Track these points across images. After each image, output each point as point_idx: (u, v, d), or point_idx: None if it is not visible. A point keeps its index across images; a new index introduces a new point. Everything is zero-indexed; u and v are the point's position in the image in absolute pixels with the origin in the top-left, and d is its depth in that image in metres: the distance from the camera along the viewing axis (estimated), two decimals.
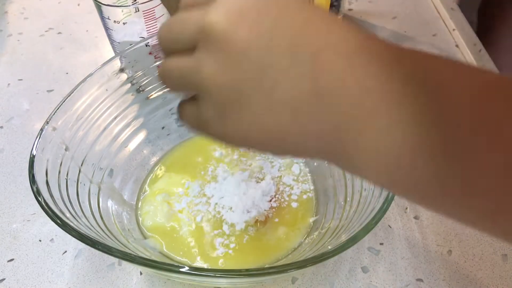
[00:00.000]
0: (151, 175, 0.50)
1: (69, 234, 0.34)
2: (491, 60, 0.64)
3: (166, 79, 0.26)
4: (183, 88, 0.26)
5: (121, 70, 0.49)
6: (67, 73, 0.66)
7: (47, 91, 0.63)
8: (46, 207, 0.35)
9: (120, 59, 0.49)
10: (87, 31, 0.73)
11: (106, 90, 0.47)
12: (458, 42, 0.68)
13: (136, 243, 0.42)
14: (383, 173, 0.22)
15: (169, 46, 0.25)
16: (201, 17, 0.22)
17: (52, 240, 0.47)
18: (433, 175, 0.21)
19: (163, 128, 0.53)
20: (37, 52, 0.70)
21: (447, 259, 0.45)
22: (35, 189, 0.36)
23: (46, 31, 0.73)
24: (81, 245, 0.46)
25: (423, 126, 0.20)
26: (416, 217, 0.48)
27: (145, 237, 0.44)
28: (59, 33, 0.73)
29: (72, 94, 0.43)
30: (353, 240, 0.32)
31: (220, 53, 0.22)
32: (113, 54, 0.59)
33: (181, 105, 0.27)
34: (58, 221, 0.34)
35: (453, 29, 0.69)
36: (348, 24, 0.22)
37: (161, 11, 0.55)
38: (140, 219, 0.46)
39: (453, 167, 0.20)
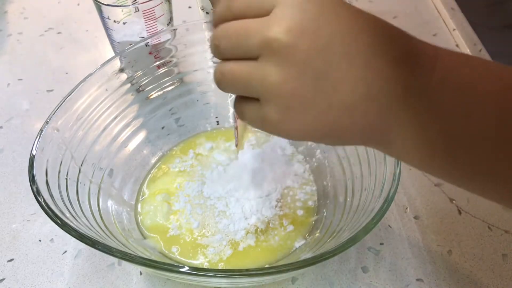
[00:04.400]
0: (151, 175, 0.50)
1: (69, 234, 0.34)
2: (491, 59, 0.64)
3: (226, 82, 0.28)
4: (242, 92, 0.28)
5: (121, 70, 0.49)
6: (67, 73, 0.66)
7: (47, 91, 0.63)
8: (46, 207, 0.35)
9: (120, 59, 0.49)
10: (87, 31, 0.73)
11: (106, 90, 0.47)
12: (458, 42, 0.68)
13: (136, 243, 0.42)
14: (415, 160, 0.28)
15: (228, 53, 0.28)
16: (263, 30, 0.25)
17: (52, 240, 0.47)
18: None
19: (162, 128, 0.53)
20: (37, 52, 0.70)
21: (447, 259, 0.45)
22: (35, 189, 0.36)
23: (46, 31, 0.73)
24: (81, 245, 0.46)
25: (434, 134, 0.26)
26: (416, 217, 0.48)
27: (144, 237, 0.44)
28: (59, 33, 0.73)
29: (72, 94, 0.43)
30: (353, 240, 0.32)
31: (285, 64, 0.25)
32: (113, 54, 0.59)
33: (240, 104, 0.29)
34: (58, 221, 0.34)
35: (454, 29, 0.69)
36: (396, 31, 0.26)
37: (160, 11, 0.55)
38: (140, 218, 0.46)
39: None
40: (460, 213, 0.48)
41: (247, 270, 0.31)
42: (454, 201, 0.49)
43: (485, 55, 0.65)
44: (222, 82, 0.28)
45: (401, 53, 0.26)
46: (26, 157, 0.54)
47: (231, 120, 0.55)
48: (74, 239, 0.37)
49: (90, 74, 0.45)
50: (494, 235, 0.47)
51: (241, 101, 0.29)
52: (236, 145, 0.40)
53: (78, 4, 0.79)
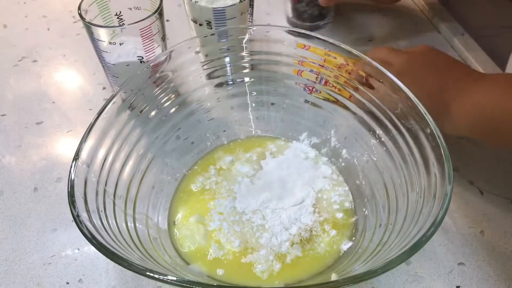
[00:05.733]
0: (178, 198, 0.48)
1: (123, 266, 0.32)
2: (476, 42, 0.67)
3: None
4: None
5: (125, 102, 0.46)
6: (53, 102, 0.62)
7: (36, 123, 0.60)
8: (99, 246, 0.33)
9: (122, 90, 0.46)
10: (64, 56, 0.70)
11: (115, 124, 0.44)
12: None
13: (181, 269, 0.40)
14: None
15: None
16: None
17: (80, 280, 0.45)
18: None
19: (176, 150, 0.51)
20: (15, 84, 0.66)
21: (481, 240, 0.46)
22: (85, 230, 0.33)
23: (19, 61, 0.69)
24: (113, 281, 0.44)
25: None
26: None
27: (187, 263, 0.42)
28: (35, 61, 0.69)
29: (90, 132, 0.41)
30: (418, 246, 0.33)
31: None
32: (100, 76, 0.56)
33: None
34: (124, 263, 0.32)
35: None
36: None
37: (156, 28, 0.53)
38: (179, 244, 0.44)
39: None
40: (482, 193, 0.50)
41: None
42: (473, 183, 0.51)
43: (468, 39, 0.68)
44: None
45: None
46: (29, 197, 0.51)
47: None
48: (104, 276, 0.41)
49: (99, 113, 0.42)
50: None
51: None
52: None
53: (48, 29, 0.75)
